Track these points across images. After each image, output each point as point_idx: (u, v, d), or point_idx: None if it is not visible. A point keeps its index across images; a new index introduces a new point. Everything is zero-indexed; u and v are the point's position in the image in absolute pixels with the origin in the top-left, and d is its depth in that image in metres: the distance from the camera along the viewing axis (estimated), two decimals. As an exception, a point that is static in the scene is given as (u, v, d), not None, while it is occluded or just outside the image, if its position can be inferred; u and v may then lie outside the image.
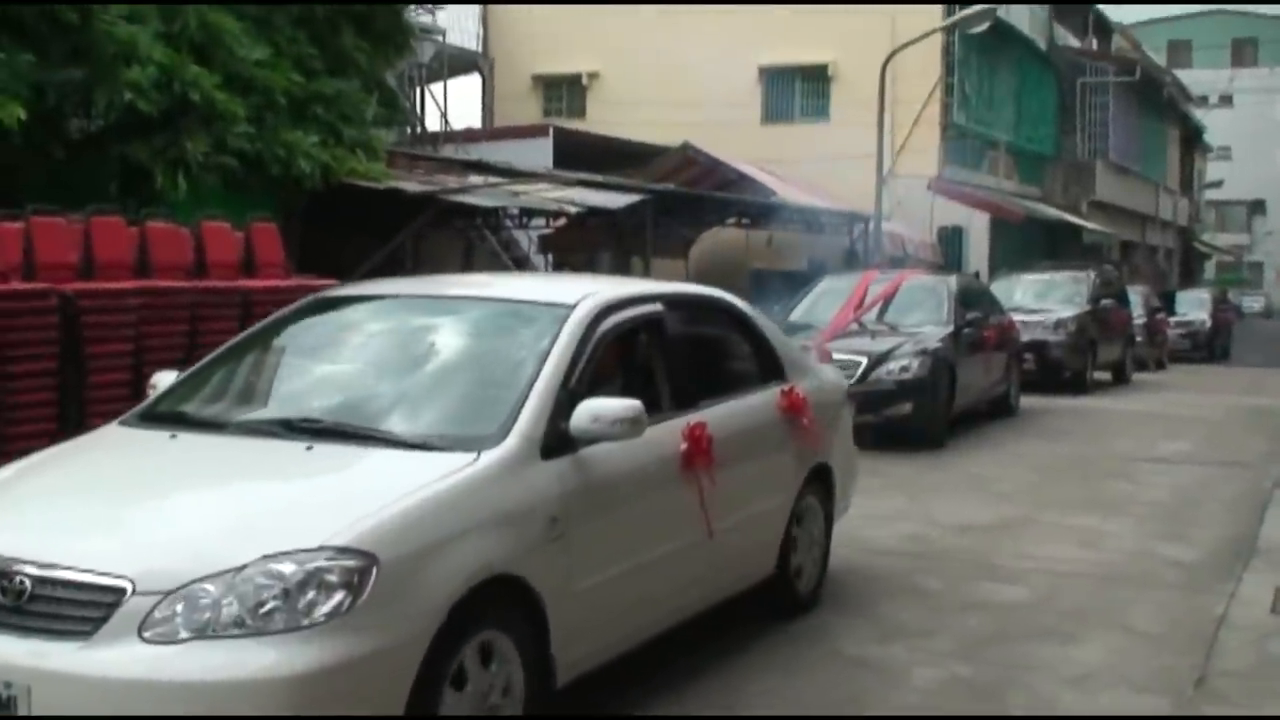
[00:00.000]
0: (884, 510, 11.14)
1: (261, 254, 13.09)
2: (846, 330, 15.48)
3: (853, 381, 14.04)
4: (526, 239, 25.92)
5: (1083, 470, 13.73)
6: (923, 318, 16.14)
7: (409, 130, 27.94)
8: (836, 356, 14.09)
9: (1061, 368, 21.98)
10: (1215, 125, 69.40)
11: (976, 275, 28.89)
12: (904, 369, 14.64)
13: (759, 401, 7.30)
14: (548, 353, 5.72)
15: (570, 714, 5.79)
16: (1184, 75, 66.61)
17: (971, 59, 35.02)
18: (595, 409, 5.48)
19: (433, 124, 30.30)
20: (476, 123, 33.98)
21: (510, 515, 5.09)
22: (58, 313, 10.39)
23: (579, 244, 26.53)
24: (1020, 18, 37.48)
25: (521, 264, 25.62)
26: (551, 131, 27.72)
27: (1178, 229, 60.51)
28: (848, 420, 8.64)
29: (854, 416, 13.81)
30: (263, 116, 15.49)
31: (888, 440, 14.06)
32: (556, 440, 5.44)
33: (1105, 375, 24.20)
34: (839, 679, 6.63)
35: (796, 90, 34.79)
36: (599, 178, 22.88)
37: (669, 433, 6.21)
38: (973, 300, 17.52)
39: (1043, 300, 23.36)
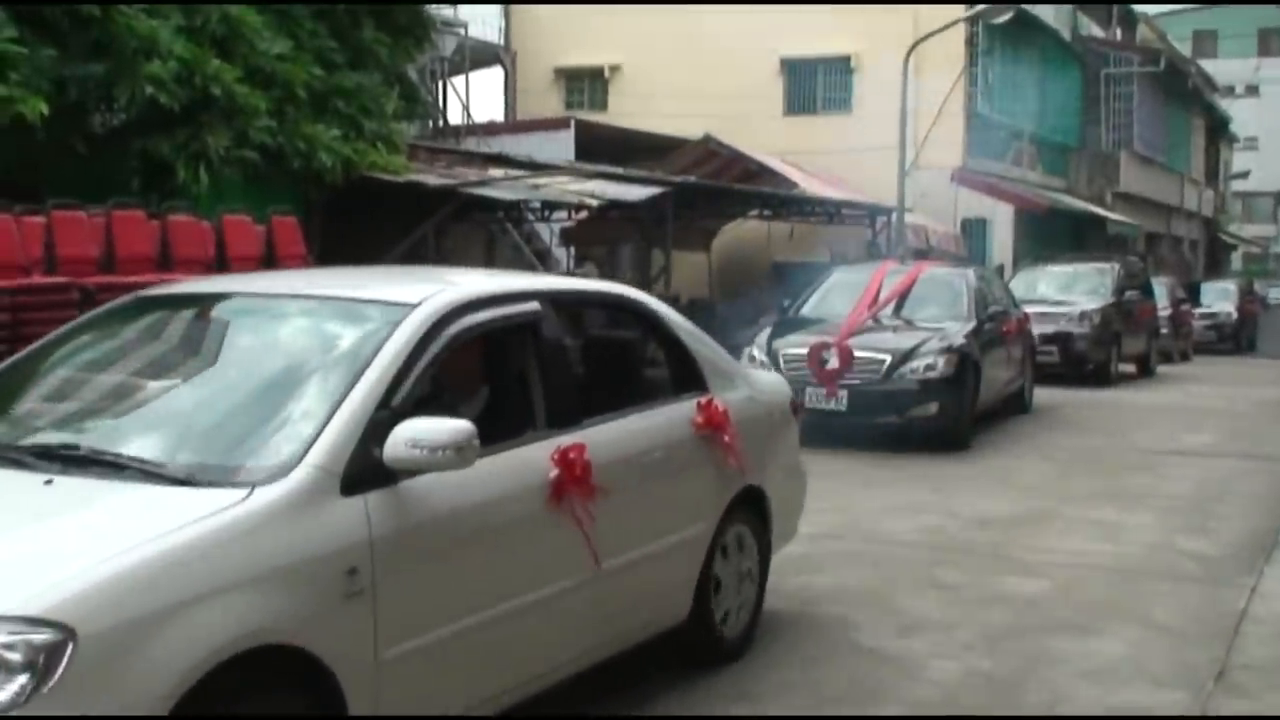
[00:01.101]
0: (904, 502, 11.15)
1: (282, 247, 13.15)
2: (864, 326, 14.86)
3: (876, 380, 13.88)
4: (548, 232, 25.97)
5: (1105, 463, 13.68)
6: (941, 312, 15.47)
7: (430, 124, 27.98)
8: (858, 354, 13.92)
9: (1085, 360, 21.92)
10: (1241, 116, 68.94)
11: (1000, 269, 28.90)
12: (929, 367, 13.96)
13: (666, 417, 6.28)
14: (369, 362, 4.76)
15: (570, 714, 5.78)
16: (1209, 65, 66.21)
17: (995, 49, 34.90)
18: (414, 433, 4.50)
19: (454, 117, 30.37)
20: (498, 116, 34.07)
21: (288, 568, 4.12)
22: (78, 306, 10.43)
23: (600, 237, 26.58)
24: (1044, 8, 37.32)
25: (543, 257, 25.70)
26: (573, 124, 27.71)
27: (1203, 220, 60.21)
28: (791, 435, 7.61)
29: (878, 417, 13.97)
30: (284, 110, 15.53)
31: (908, 439, 13.99)
32: (366, 471, 4.47)
33: (1130, 367, 24.09)
34: (857, 671, 6.61)
35: (819, 81, 34.71)
36: (620, 170, 22.87)
37: (537, 457, 5.28)
38: (991, 294, 17.08)
39: (1067, 292, 23.29)
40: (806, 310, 16.18)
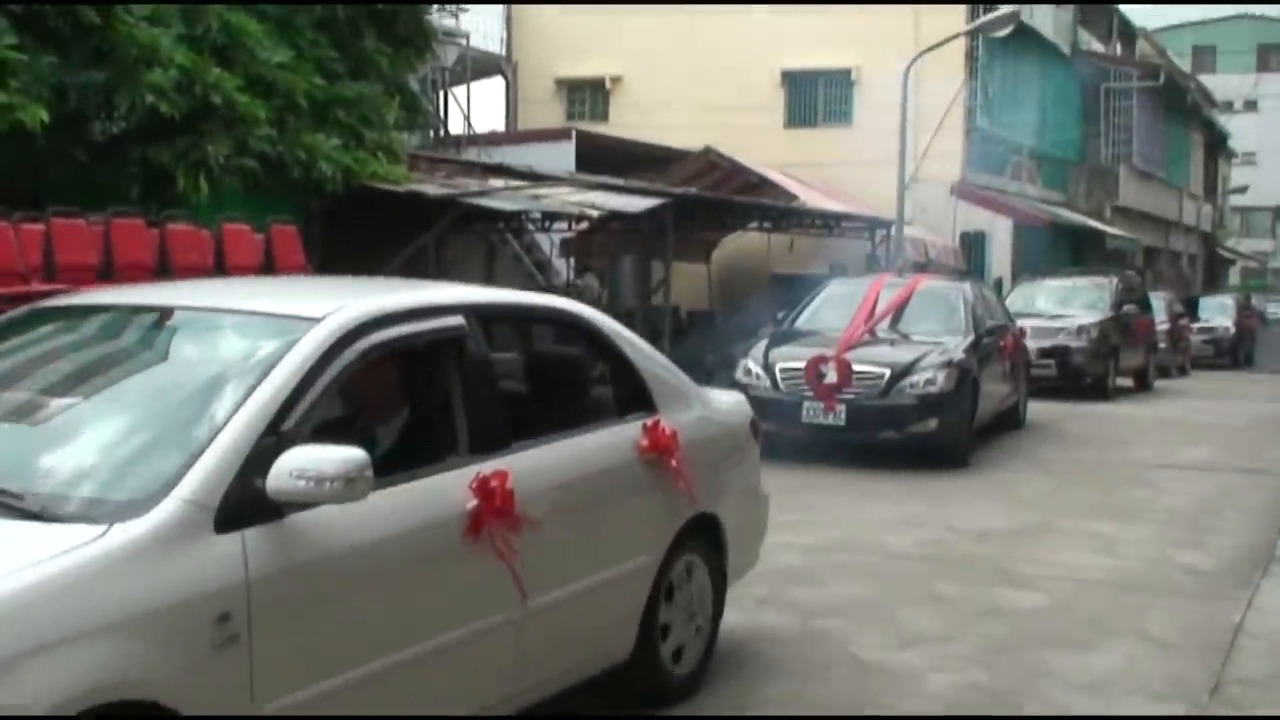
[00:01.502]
0: (902, 515, 11.15)
1: (282, 257, 13.15)
2: (861, 340, 14.52)
3: (874, 395, 13.62)
4: (549, 242, 25.97)
5: (1102, 477, 13.70)
6: (939, 326, 15.17)
7: (431, 134, 27.99)
8: (857, 368, 13.69)
9: (1083, 374, 21.95)
10: (1240, 131, 69.03)
11: (999, 283, 28.95)
12: (929, 382, 13.65)
13: (608, 440, 5.83)
14: (258, 382, 4.32)
15: (570, 714, 5.77)
16: (1208, 80, 66.34)
17: (995, 63, 34.95)
18: (298, 462, 4.07)
19: (455, 127, 30.39)
20: (499, 126, 34.08)
21: (147, 614, 3.70)
22: (77, 314, 10.43)
23: (601, 248, 26.57)
24: (1044, 22, 37.40)
25: (544, 267, 25.70)
26: (574, 135, 27.71)
27: (1201, 234, 60.28)
28: (750, 458, 7.05)
29: (876, 433, 13.79)
30: (284, 119, 15.53)
31: (906, 454, 13.82)
32: (246, 504, 4.04)
33: (1127, 381, 24.12)
34: (855, 684, 6.62)
35: (819, 94, 34.74)
36: (621, 181, 22.88)
37: (455, 486, 4.85)
38: (987, 308, 16.86)
39: (1065, 306, 23.38)
40: (801, 323, 15.91)
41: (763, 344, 14.90)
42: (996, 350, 15.98)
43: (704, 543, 6.41)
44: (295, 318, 4.70)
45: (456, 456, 4.98)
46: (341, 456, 4.09)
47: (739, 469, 6.87)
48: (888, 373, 13.75)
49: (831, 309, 15.85)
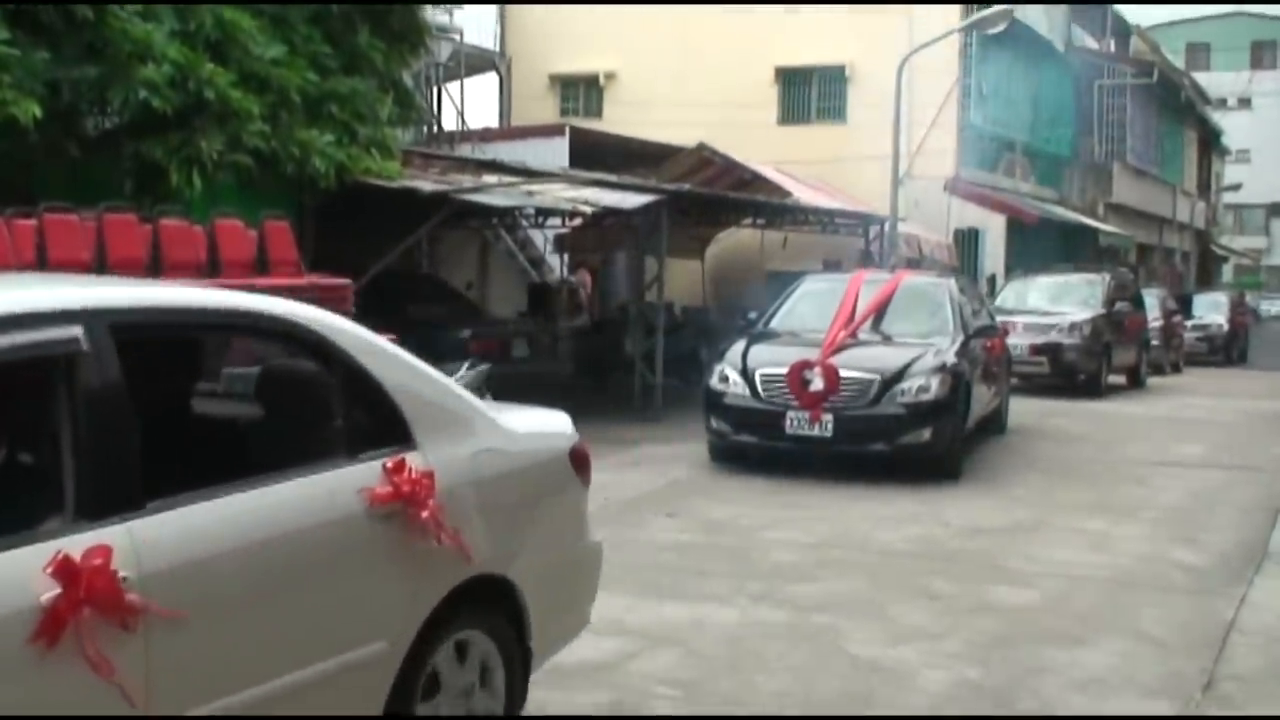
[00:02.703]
0: (895, 512, 11.16)
1: (275, 252, 13.13)
2: (844, 343, 13.43)
3: (864, 403, 12.70)
4: (542, 238, 25.97)
5: (1095, 474, 13.71)
6: (925, 327, 14.15)
7: (425, 129, 27.97)
8: (844, 374, 12.75)
9: (1076, 371, 21.97)
10: (1233, 128, 69.14)
11: (993, 279, 28.96)
12: (922, 389, 12.68)
13: (321, 488, 4.35)
14: None
15: (570, 714, 5.77)
16: (1202, 77, 66.43)
17: (989, 60, 34.95)
18: None
19: (449, 123, 30.36)
20: (493, 122, 34.04)
21: None
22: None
23: (595, 244, 26.57)
24: (1038, 19, 37.38)
25: (537, 264, 25.69)
26: (568, 131, 27.69)
27: (1195, 232, 60.33)
28: (569, 499, 5.57)
29: (865, 444, 12.74)
30: (277, 115, 15.50)
31: (895, 464, 13.02)
32: None
33: (1120, 379, 24.15)
34: (849, 680, 6.63)
35: (813, 91, 34.68)
36: (614, 178, 22.85)
37: (23, 570, 3.40)
38: (973, 306, 15.84)
39: (1058, 303, 23.39)
40: (776, 323, 14.86)
41: (739, 347, 13.88)
42: (985, 350, 15.13)
43: (489, 614, 5.04)
44: None
45: (58, 523, 3.61)
46: None
47: (549, 514, 5.46)
48: (878, 379, 12.79)
49: (808, 308, 14.88)
